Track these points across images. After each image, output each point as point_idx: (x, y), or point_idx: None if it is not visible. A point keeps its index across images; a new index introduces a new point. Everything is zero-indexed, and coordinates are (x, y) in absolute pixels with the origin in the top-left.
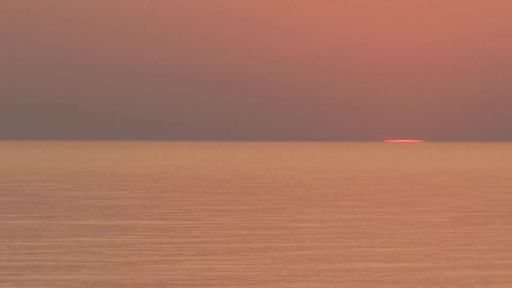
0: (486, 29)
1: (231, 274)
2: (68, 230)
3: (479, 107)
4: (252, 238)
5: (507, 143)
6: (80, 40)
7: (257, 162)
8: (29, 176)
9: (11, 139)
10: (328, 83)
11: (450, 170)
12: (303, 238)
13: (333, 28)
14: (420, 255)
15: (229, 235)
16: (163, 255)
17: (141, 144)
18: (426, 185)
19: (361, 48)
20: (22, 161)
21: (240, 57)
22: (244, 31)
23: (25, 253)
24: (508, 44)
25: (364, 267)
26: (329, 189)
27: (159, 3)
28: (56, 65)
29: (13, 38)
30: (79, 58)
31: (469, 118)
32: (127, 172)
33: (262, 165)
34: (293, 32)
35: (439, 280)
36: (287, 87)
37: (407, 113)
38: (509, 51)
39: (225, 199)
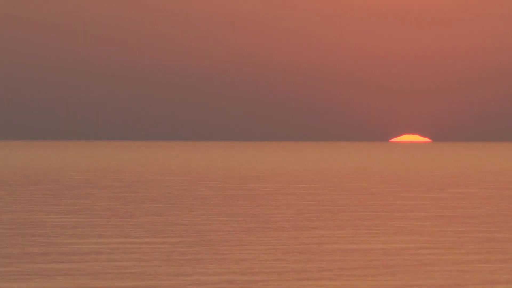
0: (498, 30)
1: None
2: None
3: (487, 108)
4: None
5: None
6: (80, 43)
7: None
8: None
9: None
10: (333, 83)
11: None
12: None
13: (338, 28)
14: None
15: None
16: None
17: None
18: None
19: (368, 48)
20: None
21: (245, 57)
22: (247, 31)
23: None
24: None
25: None
26: None
27: (155, 7)
28: (56, 68)
29: (14, 43)
30: (79, 61)
31: (478, 118)
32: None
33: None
34: (297, 32)
35: None
36: (289, 88)
37: (412, 113)
38: None
39: None
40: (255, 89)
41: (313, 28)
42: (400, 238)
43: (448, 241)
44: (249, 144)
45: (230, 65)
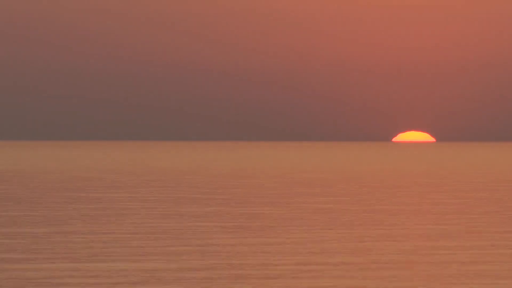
0: (502, 27)
1: None
2: None
3: (493, 107)
4: None
5: None
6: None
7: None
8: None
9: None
10: (336, 82)
11: None
12: None
13: (340, 26)
14: None
15: None
16: None
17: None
18: None
19: (371, 47)
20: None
21: (245, 55)
22: (249, 29)
23: None
24: None
25: None
26: None
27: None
28: (57, 64)
29: (16, 39)
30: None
31: (484, 118)
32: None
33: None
34: (298, 30)
35: None
36: (291, 86)
37: (416, 112)
38: None
39: None
40: (254, 90)
41: (312, 27)
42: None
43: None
44: (248, 144)
45: (231, 63)
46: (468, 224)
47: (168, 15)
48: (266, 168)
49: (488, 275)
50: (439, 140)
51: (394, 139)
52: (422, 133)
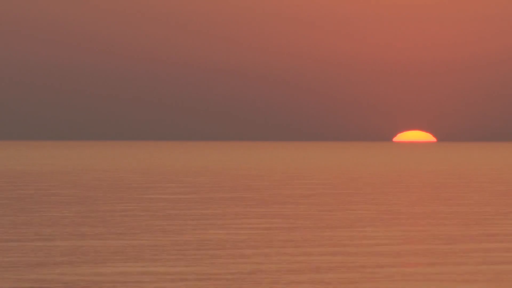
0: (504, 26)
1: None
2: None
3: (495, 107)
4: None
5: None
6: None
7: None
8: None
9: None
10: (335, 82)
11: None
12: None
13: (341, 26)
14: None
15: None
16: None
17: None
18: None
19: (371, 46)
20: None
21: (244, 54)
22: (250, 28)
23: None
24: None
25: None
26: None
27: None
28: (56, 65)
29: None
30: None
31: (486, 118)
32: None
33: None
34: (298, 29)
35: None
36: (291, 86)
37: (417, 112)
38: None
39: None
40: (253, 89)
41: (312, 26)
42: None
43: None
44: (247, 144)
45: (232, 64)
46: None
47: (169, 13)
48: (277, 167)
49: None
50: (440, 140)
51: (394, 139)
52: (423, 132)
